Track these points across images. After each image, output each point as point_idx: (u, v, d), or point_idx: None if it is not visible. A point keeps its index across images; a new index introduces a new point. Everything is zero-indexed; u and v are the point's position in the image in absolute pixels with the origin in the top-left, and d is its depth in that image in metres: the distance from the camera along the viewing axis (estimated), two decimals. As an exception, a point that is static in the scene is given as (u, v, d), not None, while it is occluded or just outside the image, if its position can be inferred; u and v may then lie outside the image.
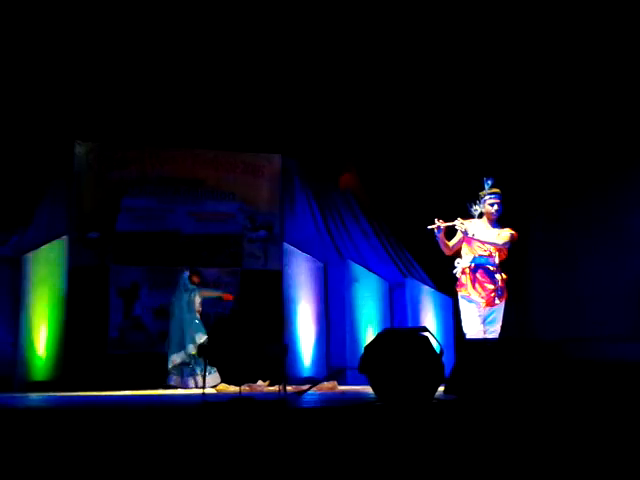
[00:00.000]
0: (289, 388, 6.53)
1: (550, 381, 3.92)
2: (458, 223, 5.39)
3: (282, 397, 4.71)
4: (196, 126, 8.99)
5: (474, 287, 5.43)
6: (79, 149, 8.93)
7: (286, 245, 9.43)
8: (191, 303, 7.96)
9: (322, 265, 9.40)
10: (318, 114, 9.00)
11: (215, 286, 8.84)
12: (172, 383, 7.71)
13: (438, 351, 4.01)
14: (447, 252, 5.59)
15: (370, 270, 9.31)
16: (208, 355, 5.67)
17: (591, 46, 7.05)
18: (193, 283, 8.08)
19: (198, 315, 7.94)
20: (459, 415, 3.46)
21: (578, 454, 2.99)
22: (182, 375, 7.77)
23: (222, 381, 7.28)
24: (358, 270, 9.22)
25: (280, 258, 9.39)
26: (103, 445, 2.92)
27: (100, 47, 7.69)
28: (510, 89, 7.97)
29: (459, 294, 5.54)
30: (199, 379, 7.55)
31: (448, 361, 4.11)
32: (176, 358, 7.75)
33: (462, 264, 5.52)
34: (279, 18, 7.44)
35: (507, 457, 2.99)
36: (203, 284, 8.26)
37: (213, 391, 7.05)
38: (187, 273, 8.12)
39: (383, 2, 7.17)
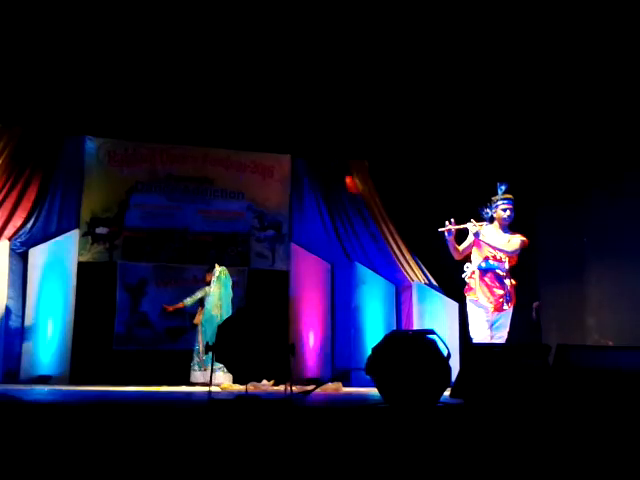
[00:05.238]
0: (294, 388, 6.51)
1: (556, 388, 3.91)
2: (470, 225, 5.39)
3: (287, 397, 4.71)
4: (207, 125, 9.02)
5: (483, 291, 5.42)
6: (90, 144, 8.99)
7: (294, 245, 9.44)
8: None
9: (329, 266, 9.40)
10: (328, 116, 9.00)
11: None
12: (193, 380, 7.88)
13: (445, 355, 4.00)
14: (457, 256, 5.58)
15: (377, 273, 9.31)
16: (215, 353, 5.67)
17: (607, 54, 7.02)
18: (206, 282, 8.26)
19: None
20: (464, 419, 3.45)
21: (582, 460, 2.99)
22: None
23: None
24: (365, 272, 9.22)
25: (288, 258, 9.40)
26: (107, 440, 2.93)
27: (114, 43, 7.71)
28: (522, 94, 7.95)
29: (467, 298, 5.53)
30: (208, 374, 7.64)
31: (454, 366, 4.11)
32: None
33: (471, 268, 5.52)
34: (291, 17, 7.45)
35: (511, 462, 2.99)
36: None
37: (218, 389, 7.06)
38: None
39: (397, 5, 7.16)
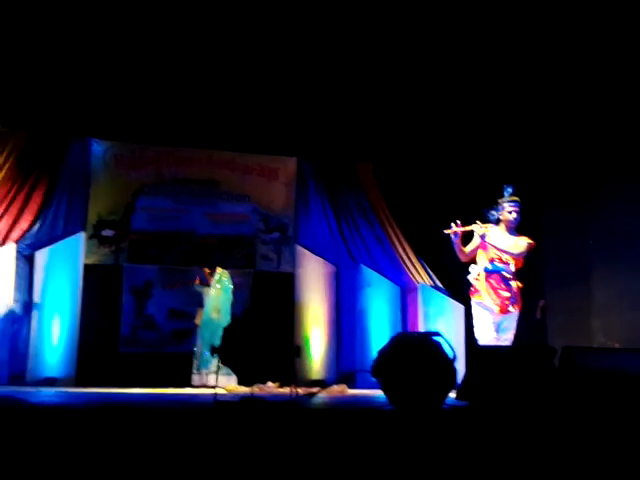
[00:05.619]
0: (299, 390, 6.51)
1: (562, 390, 3.90)
2: (476, 227, 5.39)
3: (293, 399, 4.72)
4: (213, 127, 9.03)
5: (488, 293, 5.41)
6: (96, 147, 9.00)
7: (299, 248, 9.43)
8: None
9: (335, 269, 9.40)
10: (334, 118, 9.01)
11: None
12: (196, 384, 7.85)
13: (451, 357, 4.00)
14: (463, 258, 5.57)
15: (383, 275, 9.30)
16: (220, 355, 5.68)
17: (610, 59, 7.02)
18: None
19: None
20: (470, 422, 3.45)
21: (588, 462, 2.98)
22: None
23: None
24: (371, 274, 9.21)
25: (293, 260, 9.39)
26: (114, 442, 2.93)
27: (120, 46, 7.74)
28: (529, 98, 7.95)
29: (473, 300, 5.51)
30: (204, 377, 7.65)
31: (459, 368, 4.11)
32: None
33: (477, 270, 5.50)
34: (298, 21, 7.47)
35: (517, 464, 2.99)
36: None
37: (224, 391, 7.06)
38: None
39: (404, 7, 7.16)
